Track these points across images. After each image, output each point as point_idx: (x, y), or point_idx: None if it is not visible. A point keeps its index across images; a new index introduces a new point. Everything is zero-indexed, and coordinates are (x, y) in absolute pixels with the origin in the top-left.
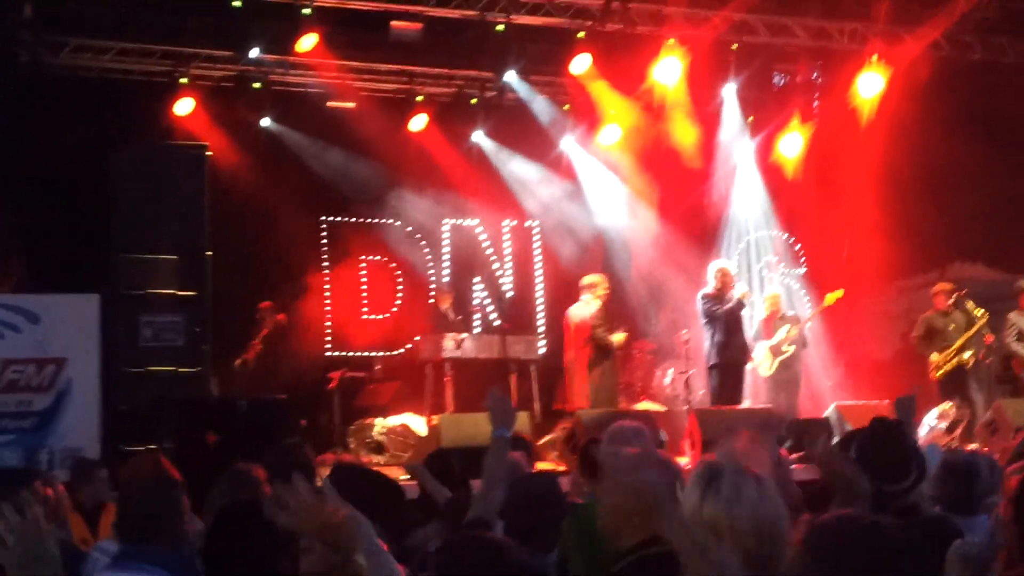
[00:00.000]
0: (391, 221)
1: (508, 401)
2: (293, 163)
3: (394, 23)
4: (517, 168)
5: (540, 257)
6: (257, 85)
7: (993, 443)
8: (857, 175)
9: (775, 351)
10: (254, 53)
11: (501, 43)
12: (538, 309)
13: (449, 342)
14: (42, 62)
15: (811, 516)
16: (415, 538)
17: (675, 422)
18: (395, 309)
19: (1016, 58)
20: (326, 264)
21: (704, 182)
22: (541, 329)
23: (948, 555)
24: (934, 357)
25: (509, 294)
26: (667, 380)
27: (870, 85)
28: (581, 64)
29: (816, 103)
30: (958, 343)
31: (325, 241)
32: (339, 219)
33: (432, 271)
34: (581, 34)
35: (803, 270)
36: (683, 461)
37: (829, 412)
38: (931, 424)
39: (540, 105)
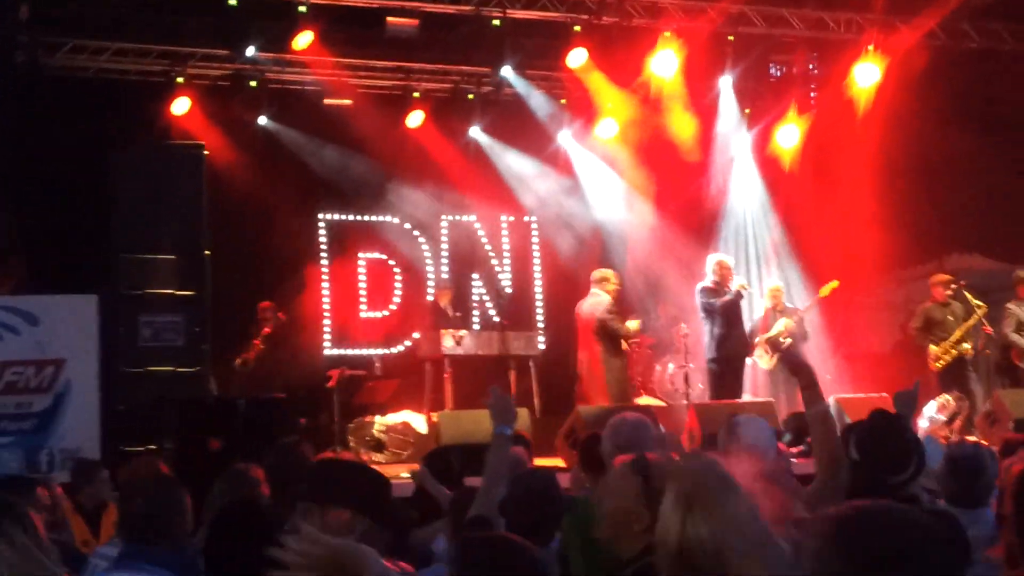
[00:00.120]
0: (389, 218)
1: (509, 398)
2: (290, 161)
3: (390, 19)
4: (514, 163)
5: (538, 252)
6: (253, 84)
7: (992, 434)
8: (854, 166)
9: (772, 343)
10: (250, 52)
11: (497, 38)
12: (537, 305)
13: (448, 340)
14: (39, 63)
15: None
16: (415, 537)
17: (674, 417)
18: (394, 306)
19: (1013, 45)
20: (324, 262)
21: (701, 175)
22: (540, 325)
23: None
24: (933, 348)
25: (508, 290)
26: (666, 375)
27: (866, 75)
28: (577, 58)
29: (813, 94)
30: (957, 334)
31: (323, 239)
32: (337, 217)
33: (431, 268)
34: (577, 28)
35: (801, 262)
36: None
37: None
38: (930, 416)
39: (537, 100)
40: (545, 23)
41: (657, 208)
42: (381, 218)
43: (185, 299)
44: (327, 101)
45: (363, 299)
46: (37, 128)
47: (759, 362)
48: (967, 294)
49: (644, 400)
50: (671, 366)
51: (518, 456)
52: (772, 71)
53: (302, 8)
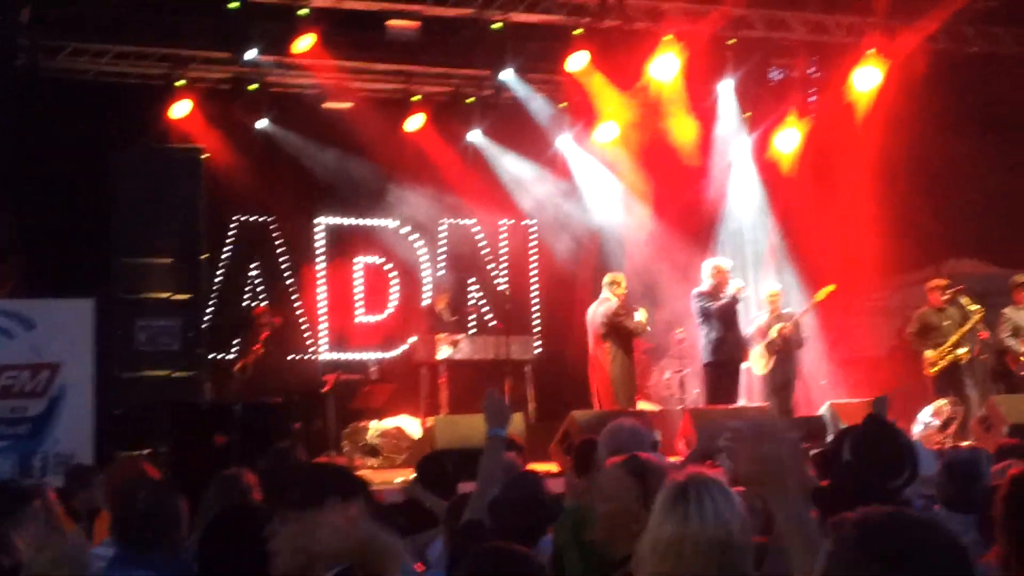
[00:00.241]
0: (387, 222)
1: (504, 401)
2: (289, 165)
3: (390, 22)
4: (514, 167)
5: (536, 257)
6: (254, 87)
7: (987, 439)
8: (853, 170)
9: (769, 349)
10: (251, 55)
11: (498, 41)
12: (534, 309)
13: (445, 349)
14: (39, 65)
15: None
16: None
17: (670, 422)
18: (390, 310)
19: (1015, 49)
20: (322, 265)
21: (700, 178)
22: (537, 329)
23: None
24: (929, 353)
25: (505, 294)
26: (662, 379)
27: (867, 79)
28: (578, 61)
29: (813, 98)
30: (952, 339)
31: (321, 242)
32: (335, 220)
33: (428, 272)
34: (578, 31)
35: (798, 266)
36: (676, 461)
37: (824, 410)
38: (926, 421)
39: (537, 103)
40: (546, 26)
41: (655, 212)
42: (379, 222)
43: (181, 303)
44: (327, 105)
45: (360, 303)
46: (37, 131)
47: (754, 367)
48: (964, 299)
49: (640, 405)
50: (667, 372)
51: (511, 461)
52: (772, 75)
53: (303, 11)
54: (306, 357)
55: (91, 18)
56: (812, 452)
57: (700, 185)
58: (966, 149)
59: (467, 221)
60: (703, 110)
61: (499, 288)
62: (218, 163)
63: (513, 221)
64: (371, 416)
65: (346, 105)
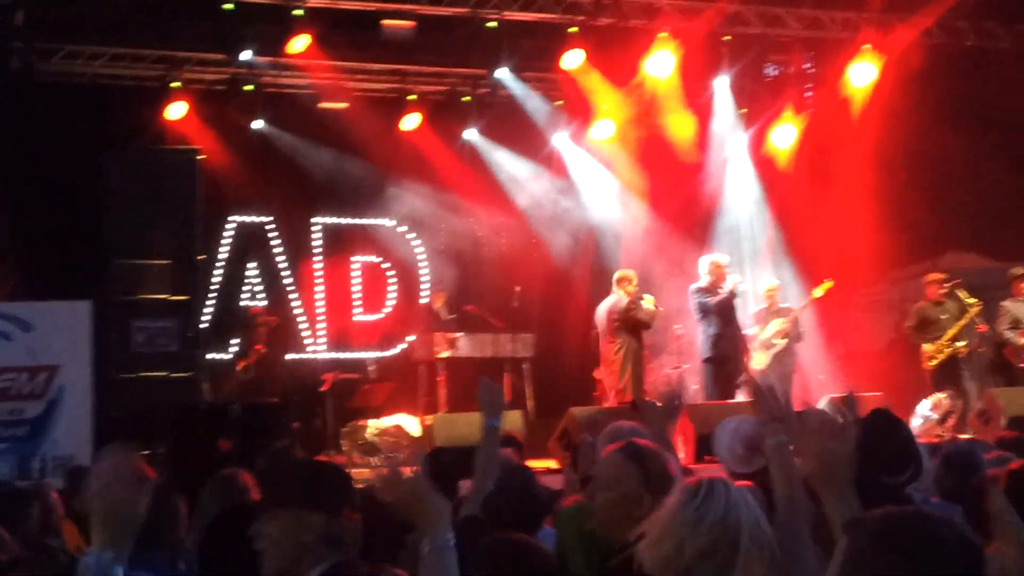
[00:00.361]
0: (384, 221)
1: (499, 390)
2: (286, 165)
3: (385, 22)
4: (510, 165)
5: (533, 254)
6: (249, 88)
7: (986, 432)
8: (850, 165)
9: (766, 345)
10: (246, 56)
11: (493, 40)
12: (531, 307)
13: (444, 351)
14: (34, 68)
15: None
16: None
17: None
18: (388, 309)
19: (1010, 44)
20: (319, 265)
21: (697, 175)
22: (534, 327)
23: None
24: (927, 347)
25: (515, 290)
26: (660, 375)
27: (863, 74)
28: (574, 59)
29: (809, 93)
30: (950, 333)
31: (318, 242)
32: (332, 220)
33: (425, 270)
34: (573, 29)
35: (796, 261)
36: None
37: (822, 404)
38: (924, 415)
39: (533, 101)
40: (541, 25)
41: (652, 208)
42: (376, 221)
43: (179, 304)
44: (323, 105)
45: (357, 302)
46: (33, 134)
47: (752, 363)
48: (961, 292)
49: None
50: (665, 368)
51: (506, 458)
52: (768, 71)
53: (297, 12)
54: (305, 356)
55: (86, 21)
56: None
57: (696, 181)
58: (962, 143)
59: (463, 220)
60: (699, 107)
61: (496, 286)
62: (214, 164)
63: (510, 219)
64: (370, 415)
65: (342, 105)
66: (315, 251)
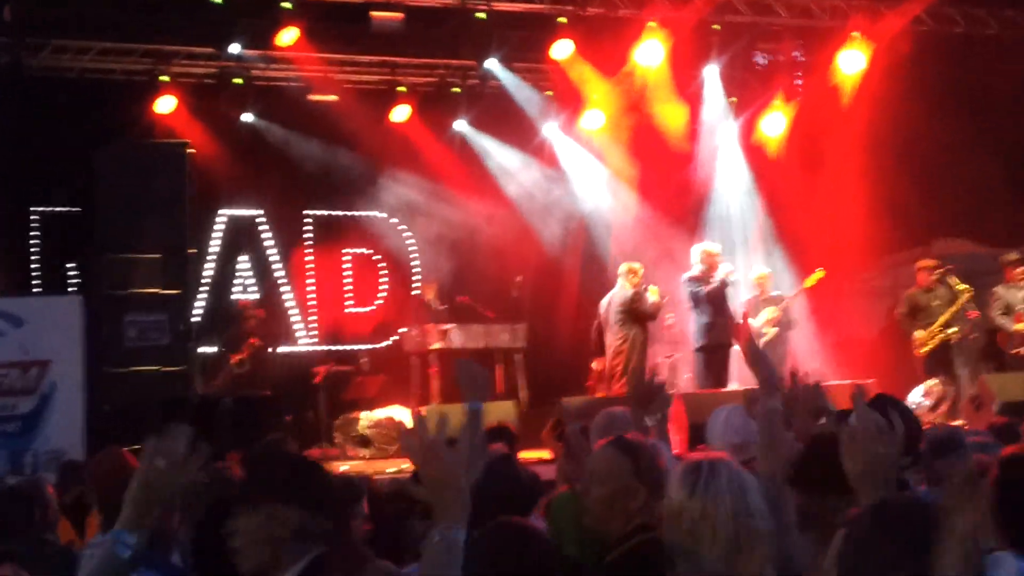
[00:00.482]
0: (375, 213)
1: (481, 371)
2: (276, 158)
3: (374, 14)
4: (500, 155)
5: (525, 244)
6: (238, 81)
7: (978, 418)
8: (840, 152)
9: (756, 334)
10: (235, 49)
11: (482, 31)
12: (523, 297)
13: (436, 343)
14: (22, 63)
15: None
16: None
17: None
18: (380, 301)
19: (999, 30)
20: (310, 257)
21: (687, 164)
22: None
23: None
24: (918, 334)
25: (516, 281)
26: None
27: (852, 62)
28: (563, 49)
29: (799, 82)
30: (941, 319)
31: (309, 234)
32: (323, 212)
33: (416, 262)
34: (562, 19)
35: (787, 249)
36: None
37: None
38: (916, 401)
39: (523, 92)
40: (530, 15)
41: (643, 198)
42: (367, 213)
43: (170, 298)
44: (312, 97)
45: (349, 294)
46: (21, 129)
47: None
48: (952, 279)
49: None
50: (658, 357)
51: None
52: (758, 59)
53: (286, 4)
54: (297, 349)
55: (74, 15)
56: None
57: (687, 170)
58: (952, 129)
59: (454, 211)
60: (689, 95)
61: (487, 277)
62: (204, 157)
63: (500, 209)
64: (362, 407)
65: (331, 97)
66: (306, 243)
